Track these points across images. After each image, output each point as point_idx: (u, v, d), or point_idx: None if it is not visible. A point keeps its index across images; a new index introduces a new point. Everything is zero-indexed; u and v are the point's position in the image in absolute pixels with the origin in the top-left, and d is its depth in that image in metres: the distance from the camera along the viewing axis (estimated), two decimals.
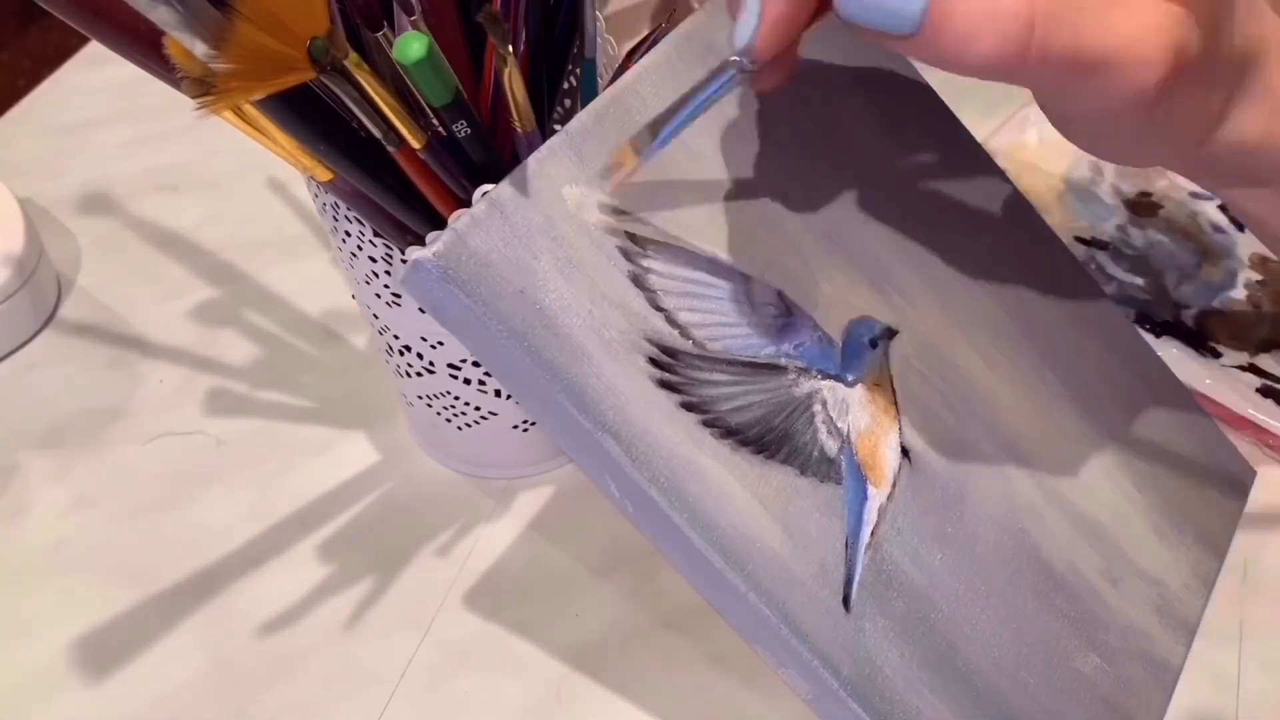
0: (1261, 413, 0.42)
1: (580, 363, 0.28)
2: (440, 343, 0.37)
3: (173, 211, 0.54)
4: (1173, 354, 0.44)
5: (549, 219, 0.28)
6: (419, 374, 0.38)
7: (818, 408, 0.31)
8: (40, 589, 0.39)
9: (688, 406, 0.29)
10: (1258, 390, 0.42)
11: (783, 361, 0.31)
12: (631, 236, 0.30)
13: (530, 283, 0.28)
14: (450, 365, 0.37)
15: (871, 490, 0.31)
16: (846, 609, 0.30)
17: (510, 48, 0.27)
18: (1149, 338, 0.44)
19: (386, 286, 0.36)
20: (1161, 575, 0.36)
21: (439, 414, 0.40)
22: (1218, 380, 0.43)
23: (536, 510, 0.41)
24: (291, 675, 0.36)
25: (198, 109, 0.24)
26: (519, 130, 0.30)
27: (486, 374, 0.37)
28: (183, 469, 0.43)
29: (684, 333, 0.30)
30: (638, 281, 0.29)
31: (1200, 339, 0.44)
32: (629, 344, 0.29)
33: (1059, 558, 0.34)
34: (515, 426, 0.40)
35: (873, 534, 0.31)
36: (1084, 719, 0.32)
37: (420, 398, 0.40)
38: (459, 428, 0.40)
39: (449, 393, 0.38)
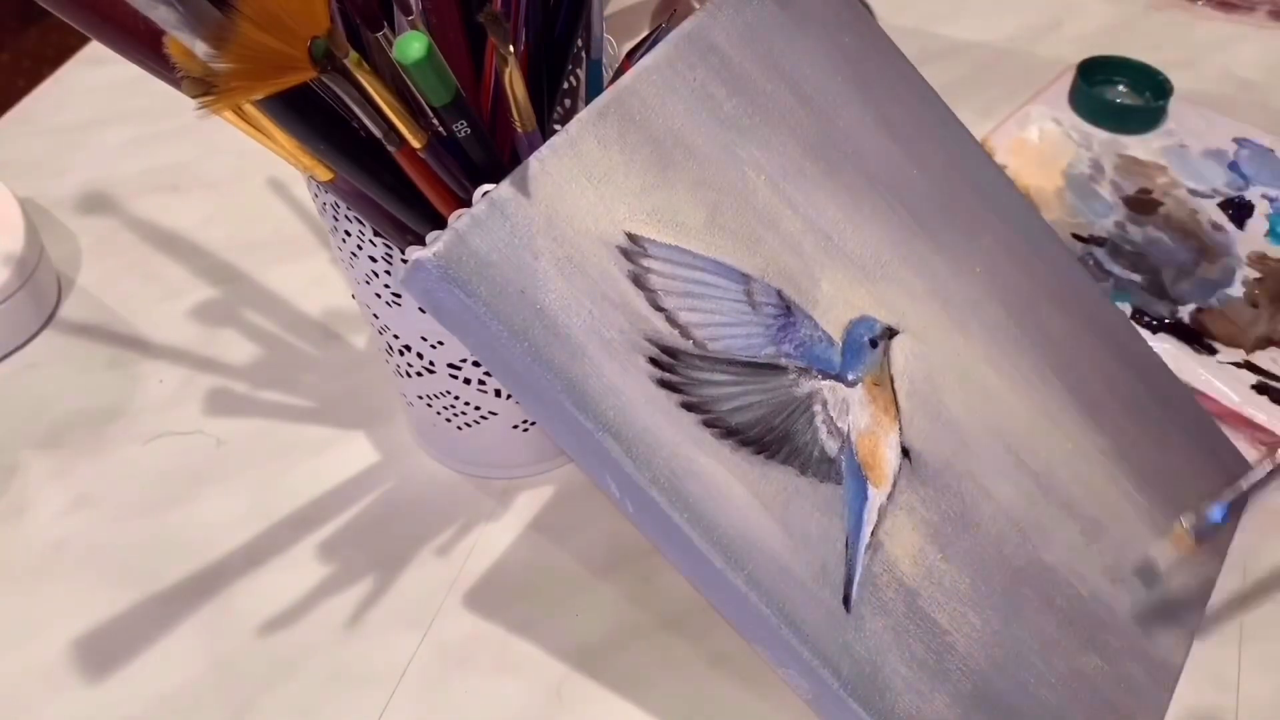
0: (1256, 409, 0.42)
1: (580, 362, 0.28)
2: (440, 342, 0.37)
3: (173, 211, 0.54)
4: (1168, 350, 0.44)
5: (549, 219, 0.28)
6: (419, 374, 0.38)
7: (818, 407, 0.31)
8: (40, 589, 0.39)
9: (688, 406, 0.29)
10: (1253, 387, 0.43)
11: (783, 361, 0.31)
12: (632, 237, 0.30)
13: (531, 282, 0.28)
14: (450, 365, 0.37)
15: (872, 490, 0.31)
16: (847, 609, 0.30)
17: (511, 47, 0.27)
18: (1145, 334, 0.44)
19: (387, 286, 0.36)
20: (1162, 573, 0.36)
21: (439, 414, 0.40)
22: (1213, 377, 0.43)
23: (536, 510, 0.41)
24: (291, 675, 0.36)
25: (199, 109, 0.24)
26: (519, 130, 0.30)
27: (486, 374, 0.37)
28: (183, 469, 0.43)
29: (684, 333, 0.30)
30: (638, 281, 0.29)
31: (1196, 336, 0.45)
32: (629, 344, 0.29)
33: (1059, 557, 0.34)
34: (515, 426, 0.40)
35: (873, 534, 0.31)
36: (1085, 719, 0.32)
37: (420, 397, 0.40)
38: (459, 427, 0.40)
39: (449, 392, 0.38)
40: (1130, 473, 0.36)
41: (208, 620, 0.38)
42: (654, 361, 0.29)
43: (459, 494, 0.42)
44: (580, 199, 0.29)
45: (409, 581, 0.39)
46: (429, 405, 0.40)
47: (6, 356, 0.47)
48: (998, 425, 0.34)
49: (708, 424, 0.29)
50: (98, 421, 0.45)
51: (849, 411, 0.32)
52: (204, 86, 0.24)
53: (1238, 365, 0.43)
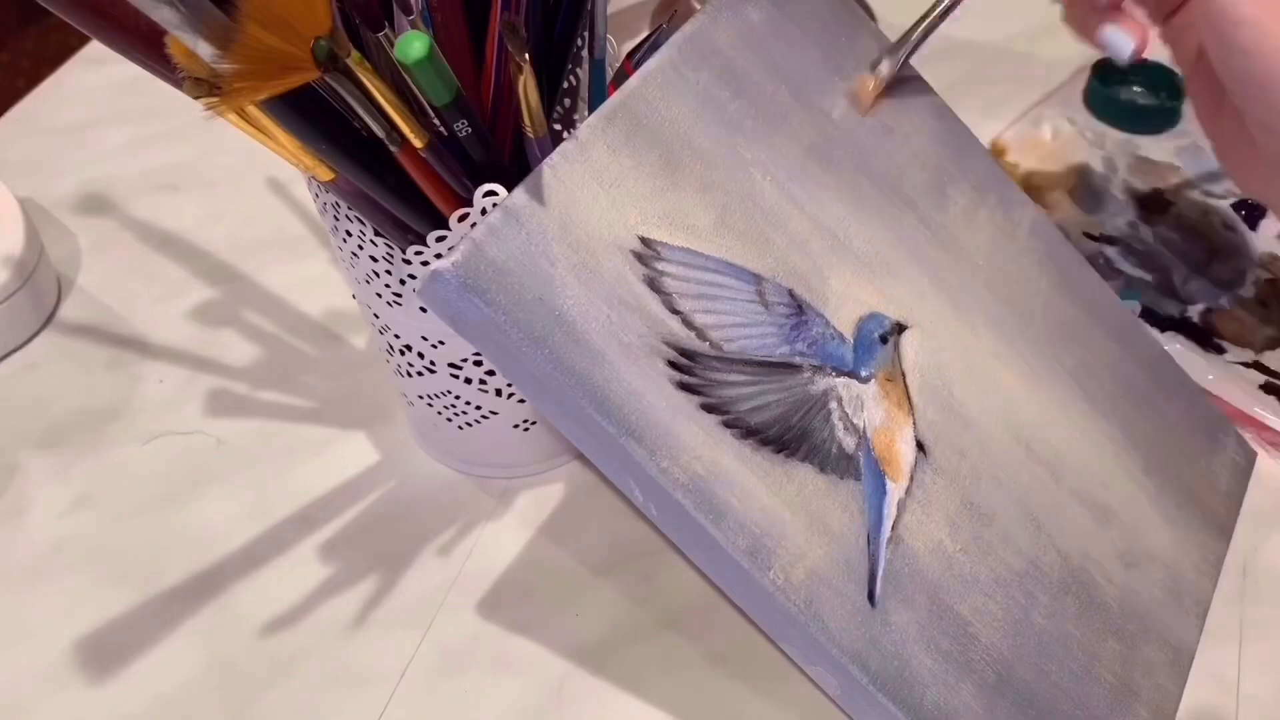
0: (1265, 409, 0.42)
1: (601, 367, 0.28)
2: (441, 342, 0.37)
3: (173, 211, 0.54)
4: (1177, 350, 0.44)
5: (564, 225, 0.29)
6: (419, 373, 0.38)
7: (833, 405, 0.31)
8: (40, 589, 0.39)
9: (708, 408, 0.29)
10: (1261, 387, 0.43)
11: (797, 360, 0.31)
12: (645, 240, 0.30)
13: (548, 289, 0.28)
14: (451, 364, 0.37)
15: (890, 485, 0.32)
16: (872, 604, 0.30)
17: (527, 56, 0.27)
18: (1154, 333, 0.44)
19: (387, 286, 0.36)
20: (1173, 558, 0.36)
21: (439, 413, 0.40)
22: (1221, 376, 0.43)
23: (537, 510, 0.41)
24: (291, 675, 0.36)
25: (205, 110, 0.24)
26: (530, 135, 0.30)
27: (488, 373, 0.37)
28: (183, 469, 0.43)
29: (701, 334, 0.30)
30: (653, 285, 0.30)
31: (1206, 335, 0.45)
32: (648, 347, 0.29)
33: (1074, 544, 0.34)
34: (516, 426, 0.40)
35: (893, 529, 0.31)
36: (1104, 703, 0.33)
37: (421, 397, 0.40)
38: (459, 427, 0.40)
39: (449, 392, 0.38)
40: (1137, 458, 0.37)
41: (208, 620, 0.38)
42: (673, 364, 0.29)
43: (459, 494, 0.42)
44: (593, 204, 0.29)
45: (409, 581, 0.39)
46: (430, 405, 0.40)
47: (6, 356, 0.47)
48: (1007, 416, 0.34)
49: (728, 425, 0.30)
50: (98, 421, 0.45)
51: (864, 408, 0.32)
52: (206, 87, 0.24)
53: (1246, 365, 0.43)
